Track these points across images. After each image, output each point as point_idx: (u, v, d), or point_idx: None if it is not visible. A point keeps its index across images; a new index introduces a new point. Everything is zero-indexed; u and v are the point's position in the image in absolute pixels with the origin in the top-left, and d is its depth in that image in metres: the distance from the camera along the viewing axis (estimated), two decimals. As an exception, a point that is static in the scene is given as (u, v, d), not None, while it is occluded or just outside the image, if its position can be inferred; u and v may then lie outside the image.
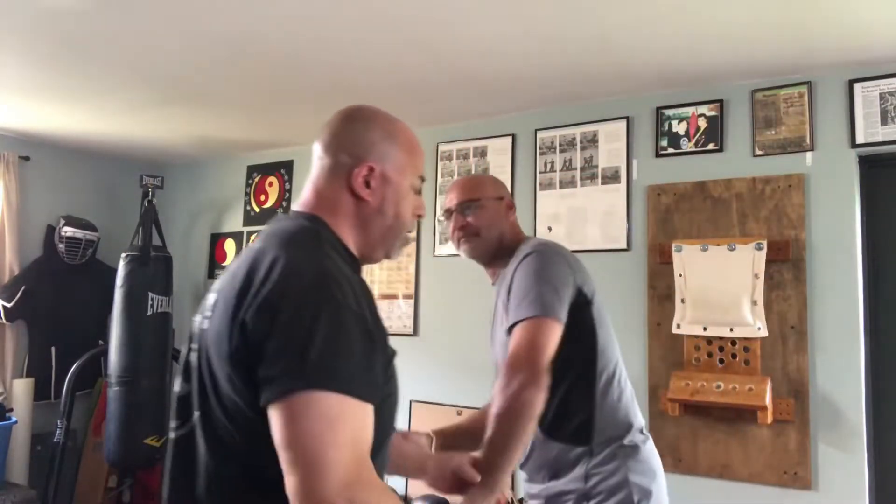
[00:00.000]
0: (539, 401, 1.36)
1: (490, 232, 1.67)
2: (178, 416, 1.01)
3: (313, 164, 1.13)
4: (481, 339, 3.31)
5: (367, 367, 0.89)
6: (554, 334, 1.43)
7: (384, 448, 1.01)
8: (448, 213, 1.73)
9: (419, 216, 1.17)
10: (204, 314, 1.01)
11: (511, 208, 1.73)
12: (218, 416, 0.93)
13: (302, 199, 1.11)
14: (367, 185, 1.07)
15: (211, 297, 1.01)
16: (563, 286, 1.50)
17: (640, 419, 1.62)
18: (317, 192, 1.09)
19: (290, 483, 0.83)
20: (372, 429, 0.88)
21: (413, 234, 1.26)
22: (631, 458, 1.52)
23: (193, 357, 1.00)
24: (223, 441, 0.93)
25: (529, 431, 1.37)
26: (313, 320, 0.86)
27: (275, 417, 0.85)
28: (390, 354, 0.99)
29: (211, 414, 0.94)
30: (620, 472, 1.50)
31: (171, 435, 1.03)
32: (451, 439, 1.58)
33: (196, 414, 0.97)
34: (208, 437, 0.94)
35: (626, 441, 1.54)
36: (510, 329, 1.46)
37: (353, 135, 1.10)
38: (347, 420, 0.84)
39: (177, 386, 1.04)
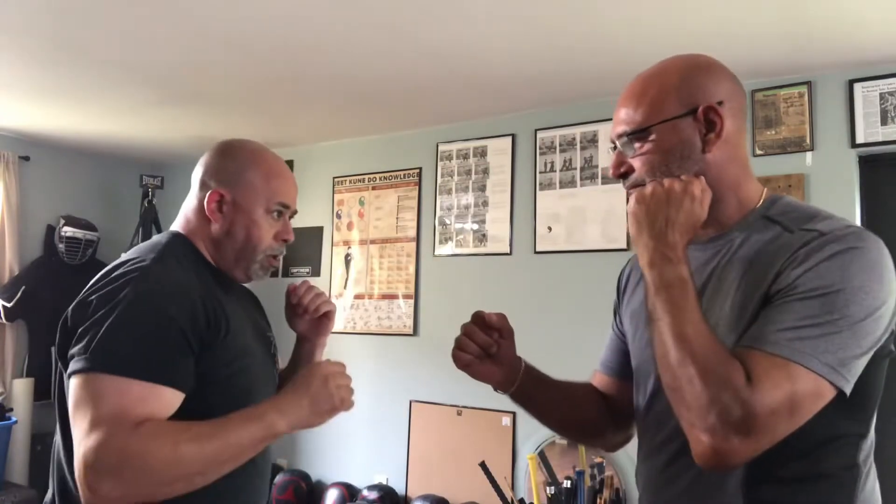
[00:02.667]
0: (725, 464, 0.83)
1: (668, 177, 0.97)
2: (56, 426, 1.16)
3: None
4: (481, 339, 3.31)
5: (151, 352, 1.01)
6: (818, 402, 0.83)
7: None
8: (612, 144, 1.06)
9: (285, 240, 1.26)
10: None
11: (713, 125, 0.99)
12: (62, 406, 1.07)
13: (177, 219, 1.25)
14: (220, 209, 1.19)
15: None
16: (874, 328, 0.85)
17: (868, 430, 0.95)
18: (184, 215, 1.24)
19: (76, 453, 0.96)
20: (151, 403, 0.98)
21: (280, 258, 1.30)
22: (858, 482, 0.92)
23: None
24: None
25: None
26: (107, 312, 1.00)
27: (68, 394, 1.00)
28: (234, 346, 1.13)
29: (63, 419, 1.08)
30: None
31: None
32: (538, 382, 1.20)
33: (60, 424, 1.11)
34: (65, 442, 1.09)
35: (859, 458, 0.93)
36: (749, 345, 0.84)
37: (216, 165, 1.22)
38: (113, 396, 0.96)
39: None
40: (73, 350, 1.00)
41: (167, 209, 4.33)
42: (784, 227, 0.94)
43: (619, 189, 2.95)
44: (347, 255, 3.75)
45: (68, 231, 3.89)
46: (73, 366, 0.99)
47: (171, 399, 1.01)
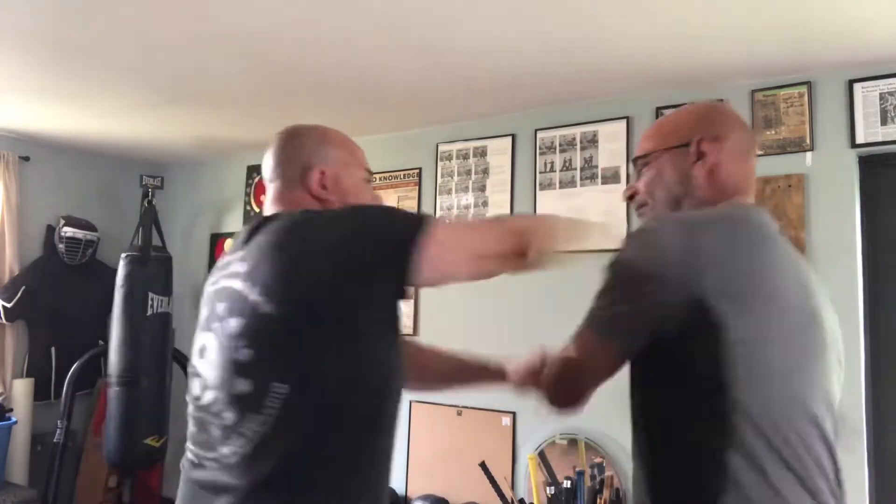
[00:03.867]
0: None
1: (661, 198, 1.16)
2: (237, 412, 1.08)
3: (268, 188, 1.23)
4: (481, 339, 3.32)
5: None
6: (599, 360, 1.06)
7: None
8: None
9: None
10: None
11: (702, 155, 1.13)
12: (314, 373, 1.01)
13: (271, 206, 1.20)
14: (324, 187, 1.18)
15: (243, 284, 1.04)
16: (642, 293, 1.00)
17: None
18: (286, 202, 1.18)
19: None
20: None
21: None
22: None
23: (245, 353, 1.01)
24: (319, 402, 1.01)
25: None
26: None
27: None
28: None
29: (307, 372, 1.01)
30: None
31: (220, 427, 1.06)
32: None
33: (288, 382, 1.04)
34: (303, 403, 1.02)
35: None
36: None
37: (292, 149, 1.21)
38: None
39: (221, 390, 1.07)
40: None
41: (167, 209, 4.34)
42: None
43: (619, 189, 2.95)
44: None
45: (68, 231, 3.89)
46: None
47: None
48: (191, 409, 1.08)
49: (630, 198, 1.22)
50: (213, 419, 1.02)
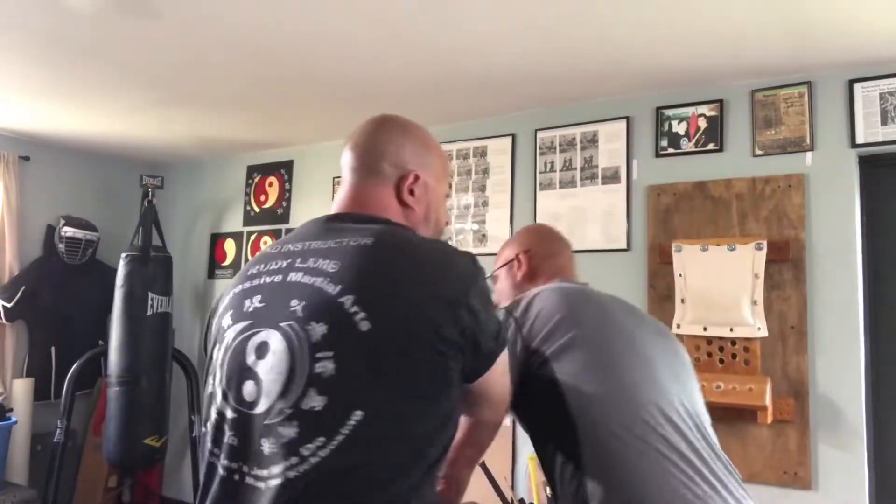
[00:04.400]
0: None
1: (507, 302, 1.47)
2: (312, 434, 0.87)
3: (349, 173, 1.11)
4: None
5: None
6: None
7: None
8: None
9: (448, 223, 1.21)
10: (341, 314, 0.89)
11: (520, 266, 1.52)
12: (392, 406, 0.89)
13: (347, 205, 1.08)
14: (412, 193, 1.09)
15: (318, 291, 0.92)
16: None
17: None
18: (364, 200, 1.08)
19: (483, 413, 1.19)
20: None
21: None
22: None
23: (327, 366, 0.87)
24: (396, 433, 0.89)
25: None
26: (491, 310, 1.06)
27: (491, 371, 1.02)
28: None
29: (382, 407, 0.88)
30: None
31: (293, 471, 0.86)
32: None
33: (357, 415, 0.87)
34: (378, 434, 0.88)
35: None
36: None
37: (394, 144, 1.10)
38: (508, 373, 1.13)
39: (301, 406, 0.87)
40: (485, 337, 0.98)
41: (167, 209, 4.34)
42: None
43: (619, 189, 2.95)
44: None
45: (68, 231, 3.89)
46: (496, 347, 1.02)
47: None
48: (229, 413, 0.92)
49: None
50: (265, 432, 0.87)
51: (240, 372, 0.92)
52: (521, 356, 1.22)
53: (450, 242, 1.26)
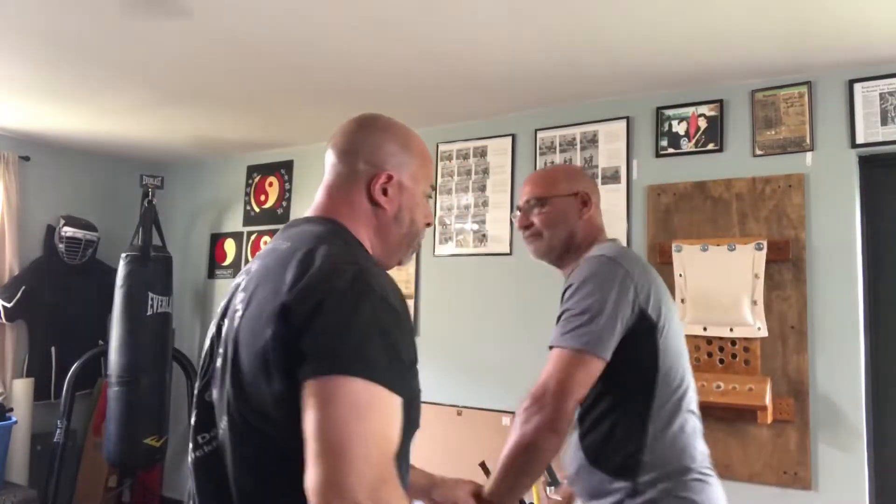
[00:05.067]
0: (553, 447, 1.29)
1: (555, 233, 1.54)
2: (207, 427, 0.97)
3: (327, 171, 1.13)
4: (481, 339, 3.33)
5: (399, 360, 0.88)
6: (591, 374, 1.31)
7: (407, 448, 0.98)
8: (519, 209, 1.62)
9: (428, 224, 1.19)
10: (232, 314, 0.97)
11: (586, 204, 1.56)
12: (246, 421, 0.90)
13: (318, 204, 1.11)
14: (385, 192, 1.09)
15: (239, 297, 0.98)
16: (616, 314, 1.32)
17: (701, 458, 1.40)
18: (335, 199, 1.10)
19: (312, 475, 0.79)
20: (400, 425, 0.86)
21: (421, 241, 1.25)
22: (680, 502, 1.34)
23: (219, 362, 0.96)
24: (250, 448, 0.90)
25: (537, 475, 1.35)
26: (354, 309, 0.86)
27: (307, 399, 0.82)
28: (416, 354, 0.98)
29: (239, 419, 0.91)
30: None
31: (196, 453, 0.98)
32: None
33: (223, 422, 0.93)
34: (235, 444, 0.91)
35: (678, 482, 1.35)
36: (550, 347, 1.37)
37: (371, 143, 1.11)
38: (377, 411, 0.82)
39: (203, 397, 0.99)
40: (313, 347, 0.84)
41: (167, 209, 4.34)
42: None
43: (619, 189, 2.95)
44: (347, 255, 3.75)
45: (68, 231, 3.89)
46: (320, 364, 0.83)
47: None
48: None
49: (525, 227, 1.58)
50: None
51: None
52: (634, 314, 1.35)
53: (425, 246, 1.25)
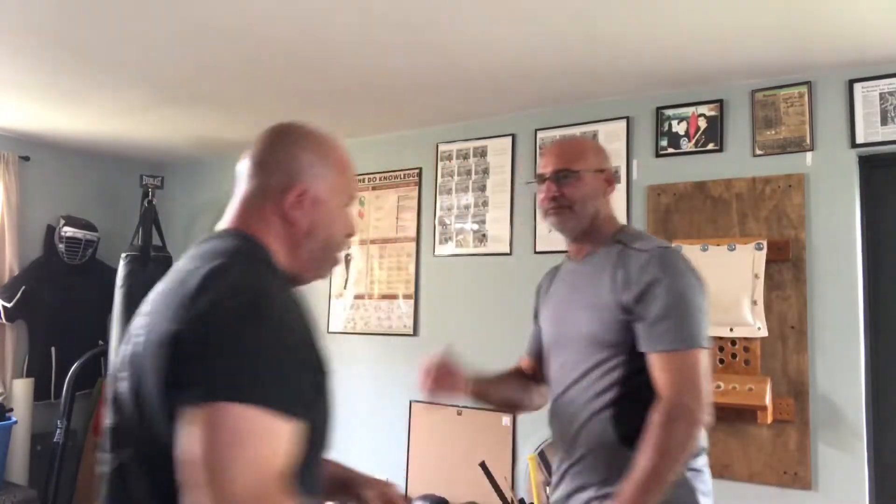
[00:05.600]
0: (694, 447, 1.38)
1: (585, 207, 1.54)
2: (111, 448, 0.96)
3: (242, 181, 1.10)
4: (481, 338, 3.32)
5: (290, 382, 0.87)
6: (707, 368, 1.42)
7: (314, 466, 0.98)
8: (541, 178, 1.58)
9: (349, 235, 1.16)
10: (134, 339, 0.95)
11: (610, 183, 1.59)
12: (150, 448, 0.90)
13: (231, 216, 1.08)
14: (298, 207, 1.06)
15: (141, 321, 0.97)
16: (706, 307, 1.48)
17: (706, 440, 1.51)
18: (247, 212, 1.07)
19: (188, 501, 0.79)
20: (290, 445, 0.85)
21: (343, 255, 1.23)
22: (698, 479, 1.45)
23: (123, 386, 0.94)
24: (157, 476, 0.89)
25: (675, 473, 1.35)
26: (240, 334, 0.86)
27: (185, 426, 0.82)
28: (325, 372, 0.98)
29: (143, 446, 0.91)
30: (689, 494, 1.43)
31: (105, 468, 0.97)
32: (484, 386, 1.71)
33: (129, 449, 0.93)
34: (140, 471, 0.91)
35: (697, 463, 1.46)
36: (654, 349, 1.41)
37: (285, 155, 1.08)
38: (257, 436, 0.82)
39: (107, 418, 0.98)
40: (194, 374, 0.85)
41: (167, 209, 4.34)
42: (624, 244, 1.52)
43: (618, 189, 2.94)
44: (347, 256, 3.75)
45: (68, 231, 3.89)
46: (197, 392, 0.83)
47: (298, 436, 0.88)
48: None
49: (554, 198, 1.54)
50: None
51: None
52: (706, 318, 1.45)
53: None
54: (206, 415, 0.81)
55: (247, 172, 1.09)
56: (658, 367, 1.38)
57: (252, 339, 0.86)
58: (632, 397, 1.43)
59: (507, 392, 1.77)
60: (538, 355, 1.74)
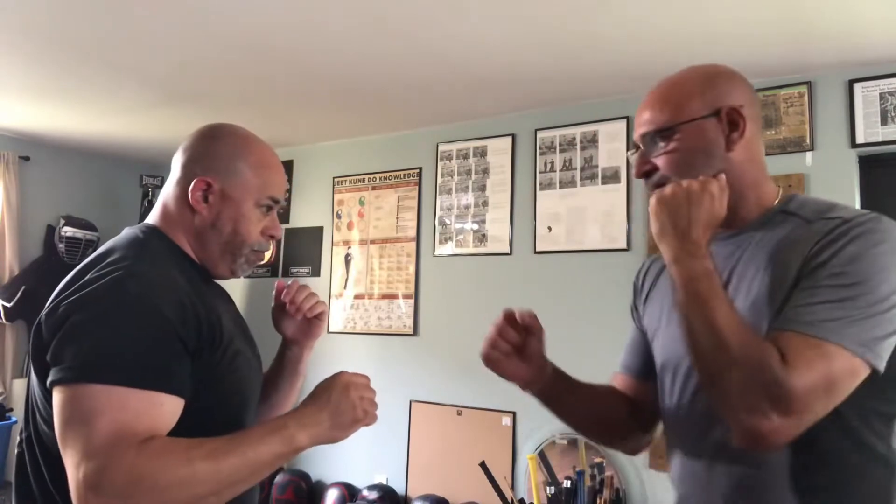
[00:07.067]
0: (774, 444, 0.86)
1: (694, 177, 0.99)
2: (23, 428, 1.05)
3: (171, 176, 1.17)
4: (481, 339, 3.31)
5: (148, 357, 0.93)
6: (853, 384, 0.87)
7: (232, 428, 1.02)
8: (635, 147, 1.10)
9: (272, 236, 1.18)
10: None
11: (736, 125, 1.02)
12: (39, 426, 0.98)
13: (153, 210, 1.16)
14: (205, 199, 1.11)
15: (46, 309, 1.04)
16: None
17: None
18: (162, 204, 1.15)
19: (69, 479, 0.87)
20: (153, 414, 0.91)
21: (268, 253, 1.25)
22: None
23: (32, 369, 1.02)
24: (45, 451, 0.97)
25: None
26: (98, 316, 0.93)
27: (54, 408, 0.90)
28: (227, 348, 1.05)
29: (36, 424, 1.00)
30: None
31: (17, 450, 1.05)
32: (567, 382, 1.21)
33: (28, 427, 1.01)
34: (34, 447, 0.99)
35: None
36: (777, 328, 0.89)
37: (203, 151, 1.13)
38: (111, 411, 0.88)
39: (27, 400, 1.07)
40: (55, 359, 0.92)
41: (167, 209, 4.34)
42: (803, 219, 0.98)
43: (619, 189, 2.95)
44: (347, 255, 3.75)
45: (68, 231, 3.89)
46: (56, 375, 0.90)
47: (173, 408, 0.94)
48: None
49: (646, 175, 1.07)
50: None
51: None
52: None
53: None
54: (63, 396, 0.89)
55: (173, 168, 1.16)
56: None
57: (103, 320, 0.92)
58: None
59: (592, 407, 1.23)
60: (643, 376, 1.21)
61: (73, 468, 0.86)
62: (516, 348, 1.15)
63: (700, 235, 0.95)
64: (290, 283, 1.30)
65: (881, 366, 0.86)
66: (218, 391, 1.04)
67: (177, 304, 0.98)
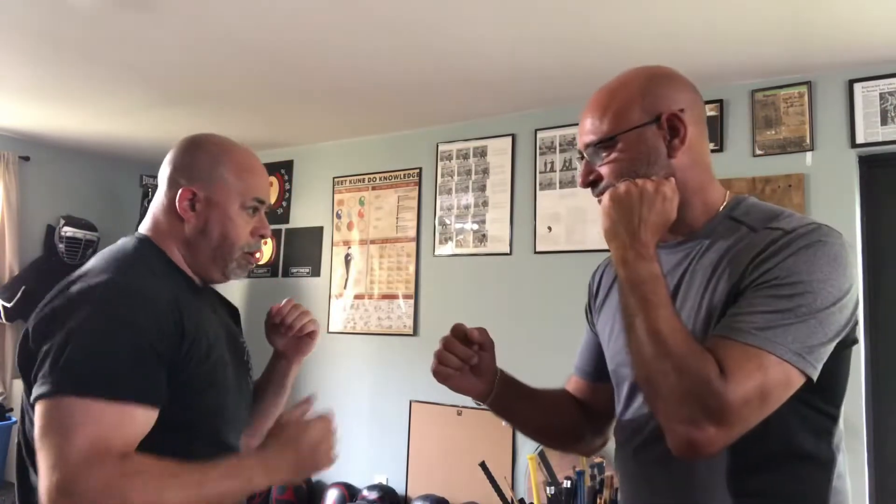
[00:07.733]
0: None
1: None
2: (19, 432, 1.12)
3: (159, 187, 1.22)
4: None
5: (122, 368, 0.96)
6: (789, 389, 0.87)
7: (208, 442, 1.08)
8: (579, 155, 1.12)
9: (262, 236, 1.22)
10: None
11: (677, 131, 1.02)
12: (28, 435, 1.03)
13: (144, 221, 1.20)
14: (192, 208, 1.15)
15: None
16: (838, 315, 0.88)
17: None
18: (151, 215, 1.19)
19: (40, 487, 0.89)
20: (127, 426, 0.94)
21: (262, 253, 1.28)
22: None
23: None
24: (32, 457, 1.00)
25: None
26: (75, 329, 0.96)
27: (35, 419, 0.95)
28: (207, 360, 1.08)
29: (24, 430, 1.07)
30: None
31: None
32: (516, 388, 1.22)
33: (23, 432, 1.08)
34: (24, 452, 1.06)
35: None
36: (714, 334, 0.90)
37: (186, 162, 1.18)
38: (87, 424, 0.91)
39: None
40: (37, 370, 0.97)
41: (167, 209, 4.34)
42: (749, 227, 0.98)
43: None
44: (347, 256, 3.75)
45: (68, 231, 3.89)
46: (37, 390, 0.95)
47: (146, 418, 0.97)
48: None
49: (591, 184, 1.08)
50: None
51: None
52: (852, 317, 0.91)
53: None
54: (42, 408, 0.93)
55: (160, 178, 1.20)
56: None
57: (81, 334, 0.96)
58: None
59: (544, 413, 1.26)
60: (596, 378, 1.24)
61: (46, 473, 0.89)
62: (468, 363, 1.15)
63: (649, 237, 0.95)
64: (283, 304, 1.33)
65: (815, 375, 0.87)
66: (199, 404, 1.08)
67: (154, 315, 1.01)
